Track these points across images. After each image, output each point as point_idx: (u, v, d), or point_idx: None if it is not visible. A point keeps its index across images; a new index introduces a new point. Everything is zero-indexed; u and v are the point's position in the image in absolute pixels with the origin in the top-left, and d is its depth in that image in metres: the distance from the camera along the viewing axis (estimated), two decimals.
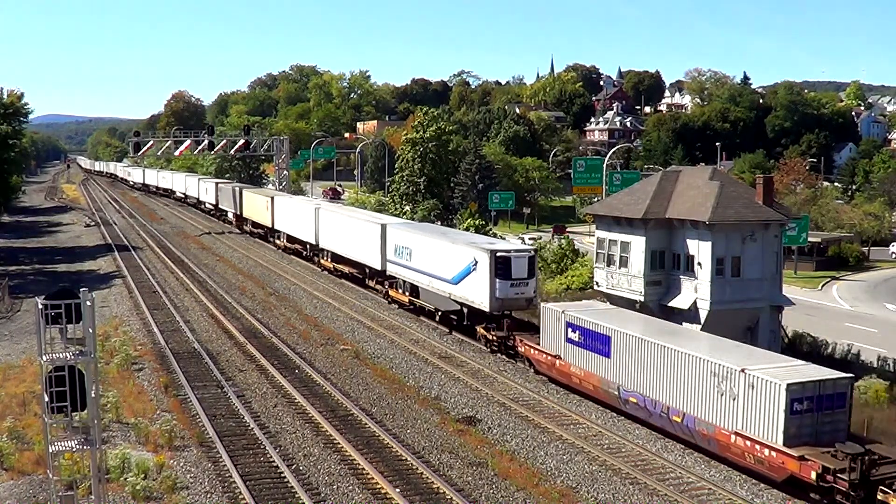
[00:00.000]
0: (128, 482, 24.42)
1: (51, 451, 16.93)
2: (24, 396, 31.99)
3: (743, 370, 25.60)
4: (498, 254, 39.40)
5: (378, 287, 53.50)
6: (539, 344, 35.71)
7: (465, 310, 42.23)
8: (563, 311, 34.06)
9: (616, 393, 30.70)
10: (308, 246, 66.58)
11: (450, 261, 42.69)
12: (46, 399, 16.35)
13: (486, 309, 39.82)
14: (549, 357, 34.70)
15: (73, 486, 20.30)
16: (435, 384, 35.51)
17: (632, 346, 30.11)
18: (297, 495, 24.29)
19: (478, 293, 40.18)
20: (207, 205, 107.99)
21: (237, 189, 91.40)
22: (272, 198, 76.57)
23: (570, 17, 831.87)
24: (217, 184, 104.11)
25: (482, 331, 40.45)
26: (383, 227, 51.56)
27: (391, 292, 50.71)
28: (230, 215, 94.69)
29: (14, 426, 28.58)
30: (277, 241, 75.61)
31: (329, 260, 61.66)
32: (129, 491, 24.12)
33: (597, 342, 31.82)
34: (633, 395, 29.92)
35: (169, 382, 35.01)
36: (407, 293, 48.37)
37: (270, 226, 76.69)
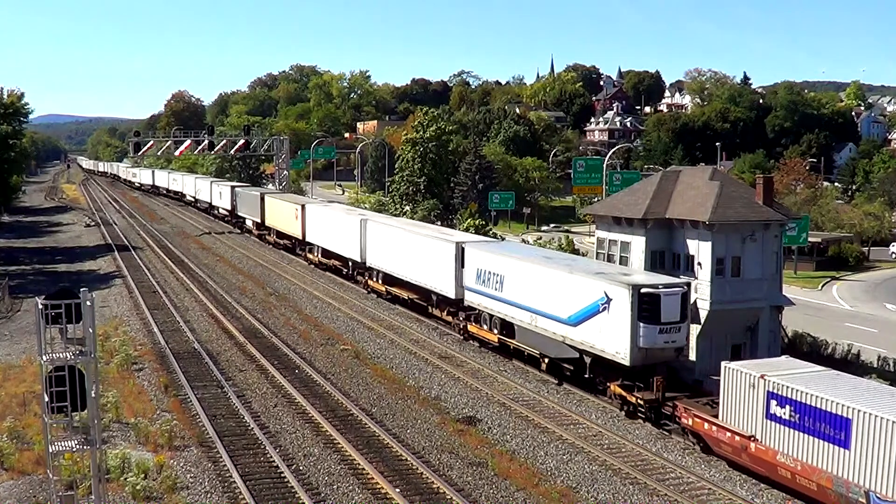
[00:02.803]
0: (128, 482, 24.42)
1: (51, 451, 16.94)
2: (24, 396, 32.00)
3: None
4: (643, 290, 30.31)
5: (450, 319, 44.33)
6: (717, 416, 27.03)
7: (588, 359, 33.12)
8: (760, 376, 25.24)
9: (862, 501, 22.56)
10: (350, 263, 57.53)
11: (566, 295, 33.82)
12: (46, 399, 16.36)
13: (625, 362, 30.67)
14: (738, 437, 25.89)
15: (73, 486, 20.34)
16: (435, 384, 35.51)
17: None
18: (297, 495, 24.30)
19: (610, 340, 31.29)
20: (221, 210, 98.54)
21: (258, 194, 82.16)
22: (303, 206, 67.33)
23: (570, 17, 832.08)
24: (233, 187, 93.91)
25: (618, 389, 31.63)
26: (459, 246, 42.51)
27: (471, 328, 41.58)
28: (249, 223, 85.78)
29: (14, 426, 28.60)
30: (310, 256, 66.32)
31: (380, 281, 52.57)
32: (129, 491, 24.12)
33: (824, 424, 23.36)
34: None
35: (169, 382, 35.02)
36: (495, 331, 39.30)
37: (300, 237, 67.77)
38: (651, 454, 28.04)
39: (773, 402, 24.76)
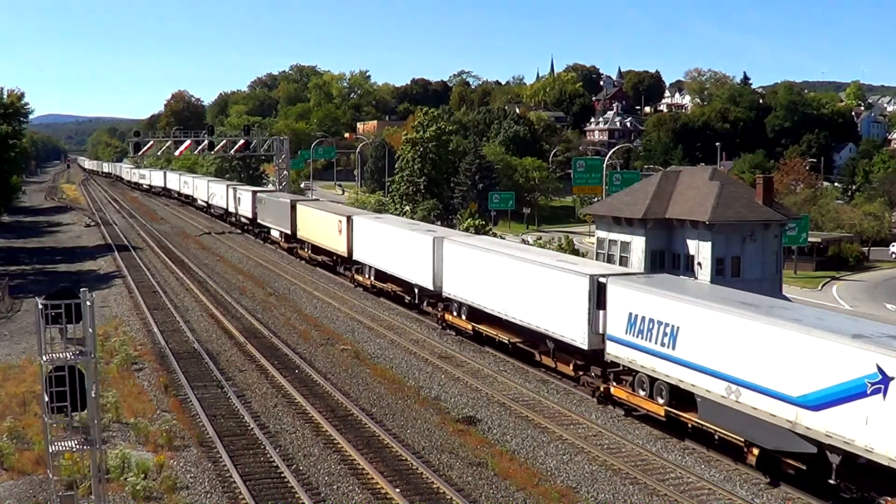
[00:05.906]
0: (128, 482, 24.41)
1: (51, 451, 16.93)
2: (24, 396, 32.00)
3: None
4: None
5: (574, 374, 33.96)
6: None
7: (836, 458, 23.24)
8: None
9: None
10: (417, 290, 47.26)
11: (798, 362, 23.93)
12: (46, 399, 16.34)
13: None
14: None
15: (73, 486, 20.31)
16: (435, 384, 35.50)
17: None
18: (296, 495, 24.30)
19: (884, 437, 21.82)
20: (241, 218, 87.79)
21: (287, 202, 70.84)
22: (349, 217, 57.36)
23: (570, 17, 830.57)
24: (255, 193, 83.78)
25: None
26: (594, 281, 32.14)
27: (616, 392, 31.32)
28: (275, 234, 75.59)
29: (14, 426, 28.57)
30: (358, 277, 55.99)
31: (463, 317, 41.96)
32: (129, 491, 24.11)
33: None
34: None
35: (169, 382, 35.01)
36: (661, 400, 29.15)
37: (346, 255, 57.79)
38: (651, 454, 28.02)
39: None
